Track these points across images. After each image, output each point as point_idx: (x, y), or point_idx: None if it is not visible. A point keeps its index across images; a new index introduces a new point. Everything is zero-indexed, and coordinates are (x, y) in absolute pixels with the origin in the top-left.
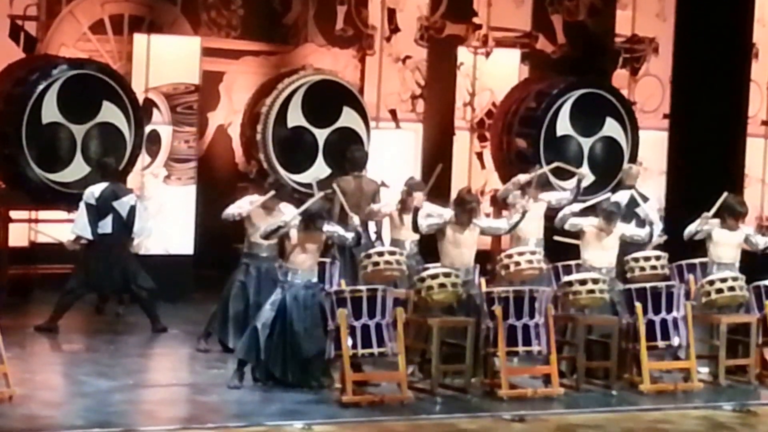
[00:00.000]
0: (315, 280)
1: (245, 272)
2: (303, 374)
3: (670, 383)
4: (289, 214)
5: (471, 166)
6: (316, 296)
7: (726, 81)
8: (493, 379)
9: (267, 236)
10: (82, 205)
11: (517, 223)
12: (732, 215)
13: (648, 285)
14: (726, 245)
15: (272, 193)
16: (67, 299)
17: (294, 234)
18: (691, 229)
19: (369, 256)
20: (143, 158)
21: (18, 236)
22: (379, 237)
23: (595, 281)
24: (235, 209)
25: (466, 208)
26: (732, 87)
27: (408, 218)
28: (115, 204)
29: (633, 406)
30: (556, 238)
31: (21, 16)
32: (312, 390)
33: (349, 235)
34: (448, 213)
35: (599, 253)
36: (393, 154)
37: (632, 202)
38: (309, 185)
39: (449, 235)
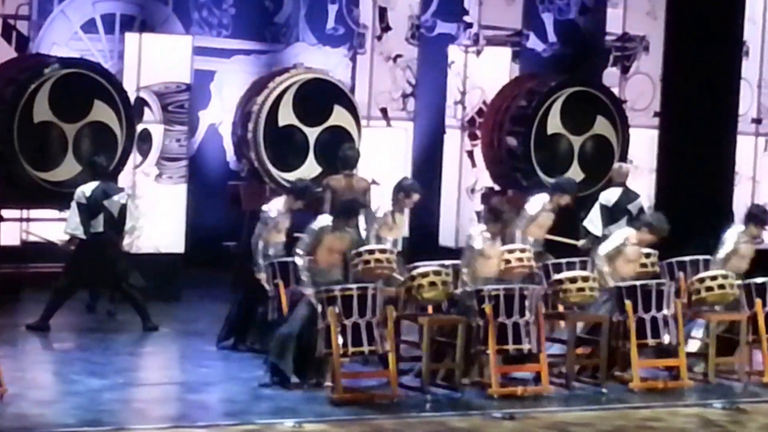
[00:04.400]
0: (341, 276)
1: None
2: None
3: (660, 381)
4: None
5: (462, 165)
6: None
7: (717, 79)
8: (483, 377)
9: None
10: (73, 204)
11: None
12: (758, 224)
13: (638, 283)
14: (748, 257)
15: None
16: (58, 298)
17: (326, 237)
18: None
19: (360, 254)
20: (134, 157)
21: (9, 235)
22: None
23: (585, 279)
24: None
25: (501, 218)
26: (723, 85)
27: (400, 218)
28: (106, 203)
29: (623, 403)
30: (549, 236)
31: (13, 15)
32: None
33: None
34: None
35: (633, 266)
36: (384, 153)
37: (622, 200)
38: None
39: (480, 247)
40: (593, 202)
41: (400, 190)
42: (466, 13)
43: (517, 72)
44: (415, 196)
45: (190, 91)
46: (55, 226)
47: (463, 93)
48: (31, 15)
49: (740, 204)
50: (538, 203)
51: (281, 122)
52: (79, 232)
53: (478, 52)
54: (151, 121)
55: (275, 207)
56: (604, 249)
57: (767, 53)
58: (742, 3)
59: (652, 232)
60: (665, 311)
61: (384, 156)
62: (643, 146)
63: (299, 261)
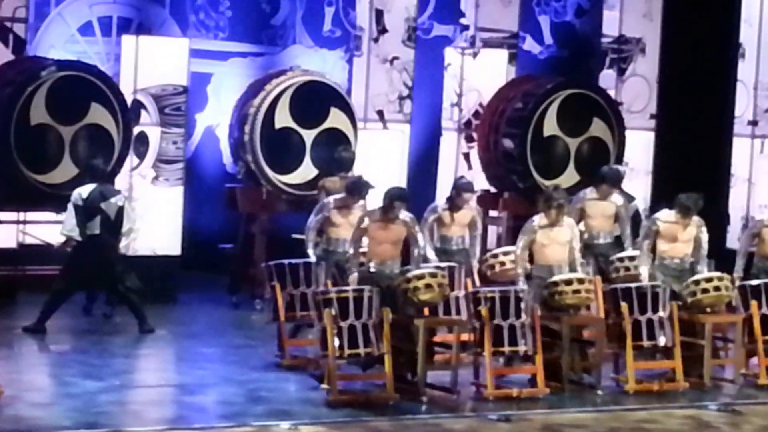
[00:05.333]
0: (397, 269)
1: (327, 271)
2: None
3: (656, 383)
4: None
5: (458, 167)
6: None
7: (713, 81)
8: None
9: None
10: (70, 206)
11: None
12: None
13: (633, 285)
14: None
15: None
16: (55, 300)
17: (373, 226)
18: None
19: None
20: (131, 159)
21: (6, 237)
22: None
23: (581, 281)
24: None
25: (553, 206)
26: (719, 87)
27: (457, 216)
28: (103, 205)
29: (618, 405)
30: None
31: (9, 18)
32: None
33: None
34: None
35: (673, 245)
36: (380, 155)
37: None
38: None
39: (540, 237)
40: None
41: (453, 188)
42: (463, 15)
43: (513, 74)
44: (466, 195)
45: (186, 94)
46: (51, 229)
47: (460, 95)
48: (28, 17)
49: (736, 206)
50: (582, 194)
51: (278, 125)
52: (75, 234)
53: (475, 55)
54: (148, 124)
55: (333, 197)
56: (641, 233)
57: (763, 55)
58: (738, 5)
59: (678, 210)
60: (661, 313)
61: (380, 158)
62: (640, 148)
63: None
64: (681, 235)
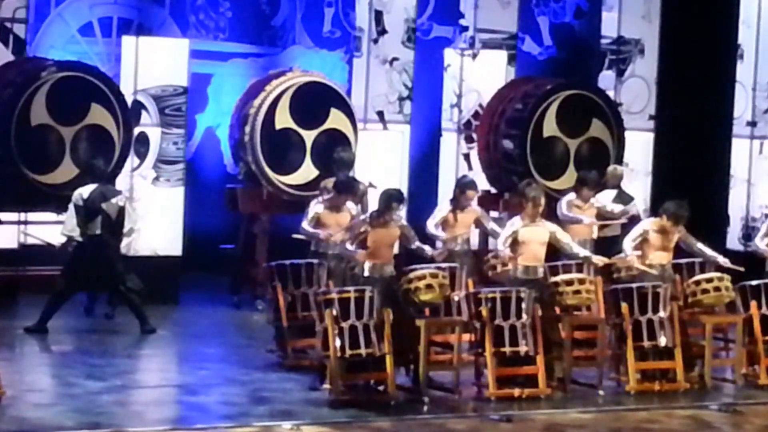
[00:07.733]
0: (392, 271)
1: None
2: None
3: (656, 383)
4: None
5: (458, 168)
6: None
7: (711, 82)
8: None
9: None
10: (71, 206)
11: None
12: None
13: (634, 285)
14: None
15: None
16: (56, 300)
17: (372, 231)
18: None
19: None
20: (132, 160)
21: (7, 238)
22: None
23: (582, 281)
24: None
25: (528, 198)
26: (717, 88)
27: (462, 216)
28: (104, 205)
29: (619, 406)
30: None
31: (10, 18)
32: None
33: None
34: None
35: (660, 253)
36: (380, 156)
37: (617, 203)
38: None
39: (520, 236)
40: None
41: (456, 187)
42: (462, 16)
43: (513, 75)
44: (470, 193)
45: (187, 95)
46: (52, 229)
47: (460, 96)
48: (29, 18)
49: (735, 207)
50: (564, 201)
51: (278, 125)
52: (76, 234)
53: (474, 56)
54: (149, 124)
55: (322, 197)
56: (628, 240)
57: (761, 56)
58: (737, 6)
59: (669, 218)
60: (661, 313)
61: (381, 159)
62: (639, 149)
63: (355, 255)
64: (667, 243)
